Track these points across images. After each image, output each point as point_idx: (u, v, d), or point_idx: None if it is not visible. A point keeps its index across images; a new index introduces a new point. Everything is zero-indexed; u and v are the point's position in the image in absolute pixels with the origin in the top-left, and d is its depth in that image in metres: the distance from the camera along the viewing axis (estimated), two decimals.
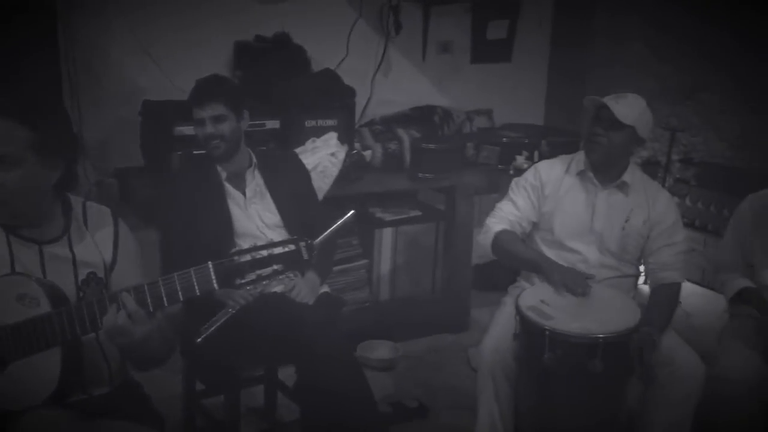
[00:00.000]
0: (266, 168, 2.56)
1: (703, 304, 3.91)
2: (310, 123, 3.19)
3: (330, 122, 3.24)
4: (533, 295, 2.28)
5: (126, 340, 1.49)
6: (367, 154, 3.39)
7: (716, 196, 4.23)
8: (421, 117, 3.66)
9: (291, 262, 1.55)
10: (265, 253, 1.52)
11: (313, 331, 2.13)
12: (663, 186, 4.43)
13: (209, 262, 1.50)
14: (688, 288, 4.05)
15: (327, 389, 2.07)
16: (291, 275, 2.35)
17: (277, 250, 1.53)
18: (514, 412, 2.29)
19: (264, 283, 1.59)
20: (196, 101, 2.42)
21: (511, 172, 3.56)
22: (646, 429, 2.27)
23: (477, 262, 3.75)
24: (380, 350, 3.31)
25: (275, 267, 1.54)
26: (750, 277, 2.47)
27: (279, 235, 2.45)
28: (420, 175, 3.39)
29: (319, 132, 3.19)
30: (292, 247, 1.54)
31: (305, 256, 1.55)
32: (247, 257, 1.51)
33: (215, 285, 1.50)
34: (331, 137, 3.19)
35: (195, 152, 2.71)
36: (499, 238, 2.47)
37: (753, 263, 2.45)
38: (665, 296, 2.41)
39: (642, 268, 2.56)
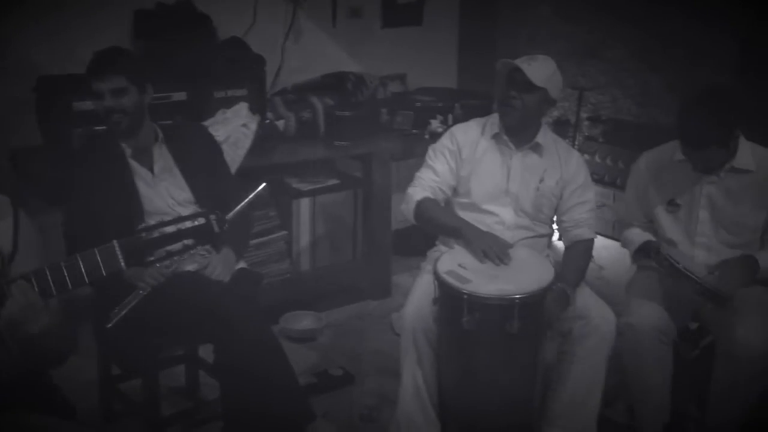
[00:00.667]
0: (174, 142, 2.47)
1: (614, 257, 4.05)
2: (219, 94, 3.10)
3: (240, 92, 3.15)
4: (451, 260, 2.30)
5: (23, 333, 1.41)
6: (280, 123, 3.33)
7: (623, 152, 4.36)
8: (334, 84, 3.60)
9: (201, 236, 1.50)
10: (173, 228, 1.47)
11: (230, 309, 2.09)
12: (573, 144, 4.57)
13: (114, 241, 1.43)
14: (599, 242, 4.18)
15: (246, 366, 2.05)
16: (205, 252, 2.29)
17: (186, 225, 1.48)
18: (437, 374, 2.32)
19: (175, 259, 1.53)
20: (94, 74, 2.30)
21: (427, 136, 3.58)
22: (562, 381, 2.35)
23: (397, 227, 3.76)
24: (303, 321, 3.29)
25: (185, 242, 1.49)
26: (652, 231, 2.57)
27: (191, 211, 2.38)
28: (335, 143, 3.36)
29: (229, 103, 3.10)
30: (201, 220, 1.50)
31: (216, 229, 1.51)
32: (155, 233, 1.46)
33: (122, 264, 1.44)
34: (242, 108, 3.11)
35: (96, 128, 2.58)
36: (421, 207, 2.48)
37: (653, 221, 2.55)
38: (578, 253, 2.48)
39: (555, 226, 2.63)
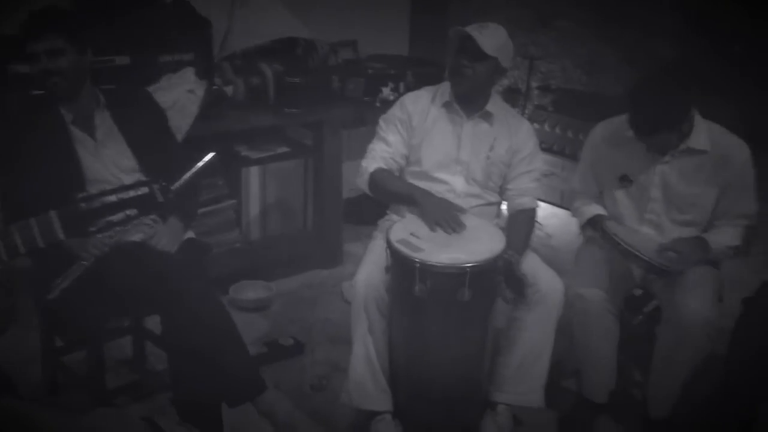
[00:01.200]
0: (117, 108, 2.39)
1: (562, 225, 4.13)
2: (164, 58, 3.00)
3: (186, 57, 3.06)
4: (403, 228, 2.30)
5: None
6: (229, 89, 3.24)
7: (573, 121, 4.42)
8: (284, 49, 3.52)
9: (145, 206, 1.46)
10: (114, 197, 1.42)
11: (176, 280, 2.05)
12: (523, 113, 4.61)
13: (51, 210, 1.38)
14: (548, 210, 4.28)
15: (193, 337, 2.02)
16: (151, 222, 2.23)
17: (129, 194, 1.44)
18: (388, 343, 2.33)
19: (117, 230, 1.48)
20: (29, 34, 2.19)
21: (378, 104, 3.54)
22: (511, 347, 2.38)
23: (348, 195, 3.74)
24: (253, 291, 3.26)
25: (128, 212, 1.45)
26: (603, 203, 2.60)
27: (135, 180, 2.30)
28: (285, 110, 3.30)
29: (175, 67, 3.00)
30: (144, 189, 1.45)
31: (160, 199, 1.46)
32: (96, 203, 1.40)
33: (61, 234, 1.39)
34: (189, 72, 3.02)
35: (34, 93, 2.47)
36: (375, 178, 2.47)
37: (603, 190, 2.58)
38: (524, 221, 2.51)
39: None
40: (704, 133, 2.35)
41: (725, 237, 2.38)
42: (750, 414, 2.27)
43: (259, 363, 2.63)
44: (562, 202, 4.31)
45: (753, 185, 2.39)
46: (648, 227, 2.47)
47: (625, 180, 2.48)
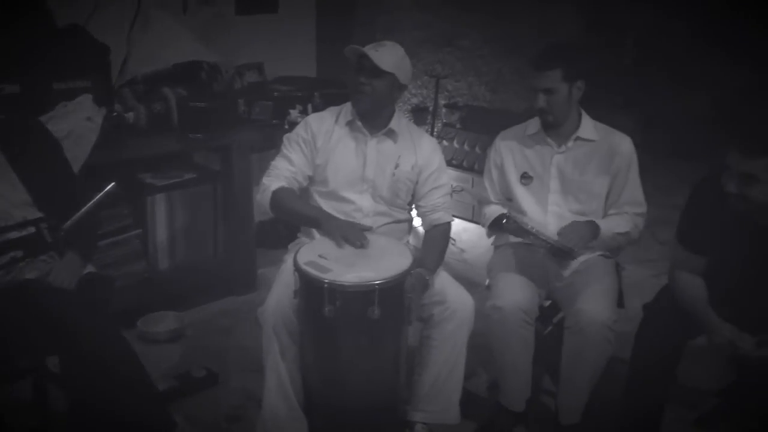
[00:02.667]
0: (7, 140, 2.27)
1: (474, 239, 4.20)
2: (58, 85, 2.89)
3: (82, 83, 2.96)
4: (311, 251, 2.28)
5: None
6: (130, 116, 3.16)
7: (480, 137, 4.52)
8: (187, 74, 3.46)
9: (31, 247, 1.38)
10: None
11: (74, 319, 1.95)
12: (432, 130, 4.68)
13: None
14: (460, 225, 4.35)
15: (94, 378, 1.93)
16: (47, 258, 2.12)
17: (13, 235, 1.35)
18: (301, 368, 2.29)
19: (1, 273, 1.39)
20: None
21: (286, 126, 3.52)
22: (424, 365, 2.39)
23: (260, 219, 3.69)
24: (163, 322, 3.16)
25: (12, 254, 1.36)
26: (509, 208, 2.66)
27: (30, 214, 2.19)
28: (190, 135, 3.23)
29: (71, 95, 2.90)
30: (31, 229, 1.37)
31: (48, 239, 1.38)
32: None
33: None
34: (86, 99, 2.92)
35: None
36: (277, 196, 2.44)
37: (510, 197, 2.65)
38: (437, 237, 2.53)
39: (414, 212, 2.66)
40: (591, 126, 2.57)
41: (613, 223, 2.52)
42: (656, 415, 2.35)
43: (169, 398, 2.57)
44: (473, 217, 4.38)
45: (638, 175, 2.56)
46: (552, 219, 2.57)
47: (526, 177, 2.60)
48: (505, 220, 2.49)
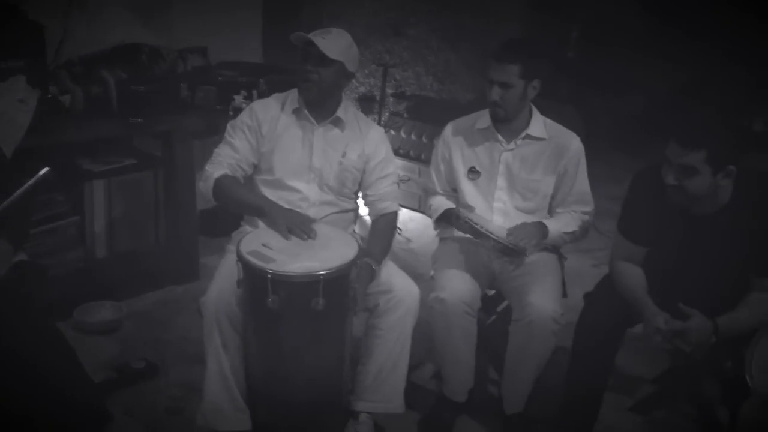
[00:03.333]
0: None
1: (421, 229, 4.21)
2: None
3: (15, 64, 2.83)
4: (254, 240, 2.24)
5: None
6: (66, 98, 3.04)
7: (427, 127, 4.52)
8: (127, 56, 3.35)
9: None
10: None
11: (2, 308, 1.87)
12: (379, 120, 4.66)
13: None
14: (407, 215, 4.35)
15: (24, 372, 1.85)
16: None
17: None
18: (244, 359, 2.25)
19: None
20: None
21: (231, 112, 3.44)
22: (369, 355, 2.38)
23: (203, 207, 3.61)
24: (101, 312, 3.07)
25: None
26: (455, 200, 2.67)
27: None
28: (130, 119, 3.13)
29: (2, 76, 2.77)
30: None
31: None
32: None
33: None
34: (18, 81, 2.79)
35: None
36: (220, 184, 2.39)
37: (455, 187, 2.66)
38: (384, 226, 2.52)
39: (361, 202, 2.65)
40: (541, 124, 2.56)
41: (561, 223, 2.54)
42: (596, 402, 2.40)
43: (106, 390, 2.50)
44: (420, 207, 4.39)
45: (586, 174, 2.58)
46: (497, 215, 2.58)
47: (473, 172, 2.60)
48: (454, 219, 2.48)
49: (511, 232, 2.42)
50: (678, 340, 2.06)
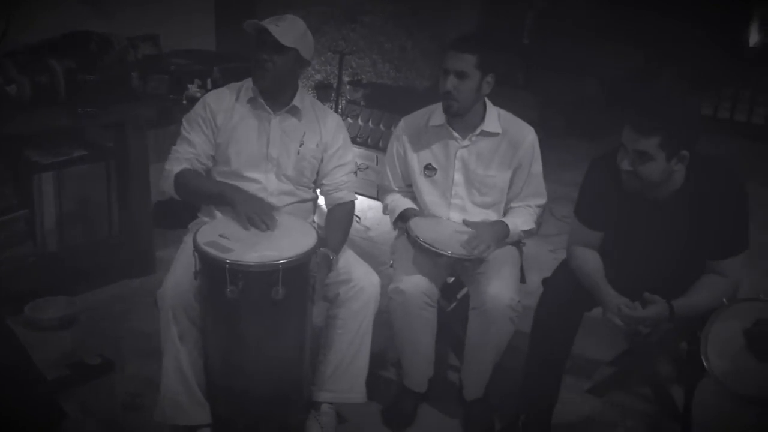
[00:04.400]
0: None
1: (379, 217, 4.20)
2: None
3: None
4: (212, 230, 2.20)
5: None
6: (12, 88, 2.93)
7: (384, 114, 4.51)
8: (75, 44, 3.24)
9: None
10: None
11: None
12: (337, 108, 4.63)
13: None
14: (365, 203, 4.34)
15: None
16: None
17: None
18: (203, 352, 2.22)
19: None
20: None
21: (185, 102, 3.39)
22: (330, 345, 2.36)
23: (159, 199, 3.54)
24: (53, 307, 2.99)
25: None
26: (412, 197, 2.66)
27: None
28: (80, 110, 3.04)
29: None
30: None
31: None
32: None
33: None
34: None
35: None
36: (180, 179, 2.35)
37: (411, 183, 2.65)
38: (340, 216, 2.50)
39: (319, 191, 2.62)
40: (495, 118, 2.53)
41: (519, 221, 2.53)
42: (555, 385, 2.43)
43: (59, 388, 2.44)
44: (378, 195, 4.37)
45: (540, 167, 2.58)
46: (455, 211, 2.57)
47: (429, 168, 2.57)
48: (408, 236, 2.41)
49: (470, 240, 2.36)
50: (636, 324, 2.09)
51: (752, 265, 3.68)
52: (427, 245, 2.33)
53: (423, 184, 2.59)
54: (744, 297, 1.92)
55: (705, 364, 1.85)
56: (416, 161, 2.59)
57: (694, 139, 2.08)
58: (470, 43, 2.39)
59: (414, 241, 2.38)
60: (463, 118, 2.48)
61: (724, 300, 1.93)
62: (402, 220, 2.58)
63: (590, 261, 2.28)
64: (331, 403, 2.39)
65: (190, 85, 3.44)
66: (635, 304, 2.11)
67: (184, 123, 2.44)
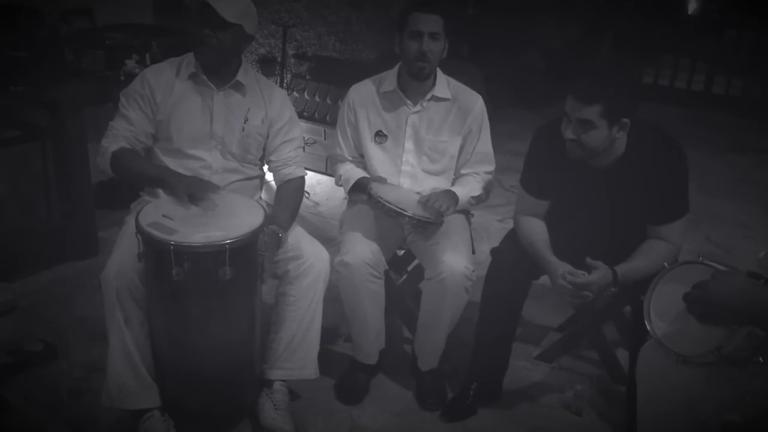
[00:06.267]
0: None
1: (328, 192, 4.18)
2: None
3: None
4: (154, 211, 2.14)
5: None
6: None
7: (331, 88, 4.45)
8: (3, 19, 3.10)
9: None
10: None
11: None
12: (282, 82, 4.55)
13: None
14: (314, 178, 4.30)
15: None
16: None
17: None
18: (149, 334, 2.18)
19: None
20: None
21: (122, 78, 3.28)
22: (282, 323, 2.34)
23: (100, 179, 3.44)
24: None
25: None
26: (363, 166, 2.64)
27: None
28: (10, 88, 2.92)
29: None
30: None
31: None
32: None
33: None
34: None
35: None
36: (117, 159, 2.28)
37: (362, 152, 2.63)
38: (290, 192, 2.47)
39: (266, 168, 2.58)
40: (445, 85, 2.55)
41: (468, 188, 2.56)
42: (505, 353, 2.47)
43: (1, 376, 2.36)
44: (326, 169, 4.34)
45: (489, 134, 2.61)
46: (405, 178, 2.58)
47: (380, 135, 2.57)
48: (369, 197, 2.42)
49: (425, 201, 2.40)
50: (581, 291, 2.13)
51: (693, 229, 3.81)
52: (390, 205, 2.33)
53: (373, 151, 2.58)
54: (684, 260, 1.96)
55: (648, 326, 1.90)
56: (367, 128, 2.58)
57: (635, 107, 2.11)
58: (437, 4, 2.40)
59: (376, 203, 2.37)
60: (417, 84, 2.49)
61: (666, 264, 1.97)
62: (358, 189, 2.56)
63: (535, 230, 2.31)
64: (283, 381, 2.38)
65: (128, 61, 3.33)
66: (579, 271, 2.15)
67: (122, 98, 2.37)
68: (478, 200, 2.60)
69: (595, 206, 2.24)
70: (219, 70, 2.36)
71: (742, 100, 6.73)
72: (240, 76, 2.39)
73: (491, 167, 2.63)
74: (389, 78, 2.54)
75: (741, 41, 7.15)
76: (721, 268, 1.79)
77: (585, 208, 2.26)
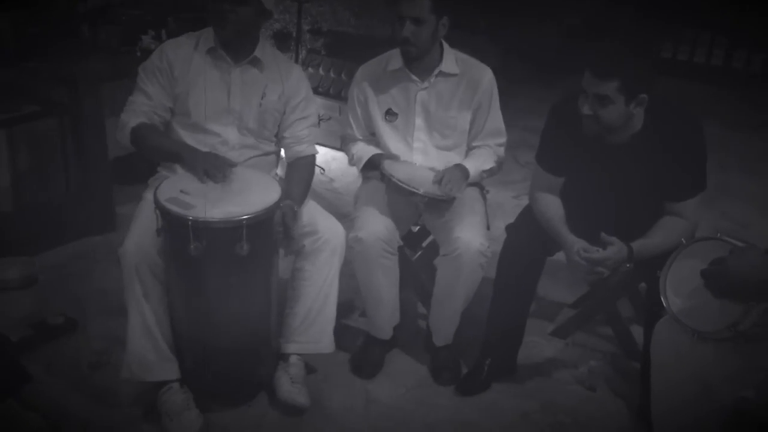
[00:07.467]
0: None
1: (343, 168, 4.18)
2: None
3: None
4: (172, 186, 2.16)
5: None
6: None
7: (346, 63, 4.43)
8: None
9: None
10: None
11: None
12: (297, 57, 4.54)
13: None
14: (329, 154, 4.30)
15: None
16: None
17: None
18: (167, 308, 2.21)
19: None
20: None
21: (138, 53, 3.28)
22: (298, 298, 2.37)
23: (117, 154, 3.46)
24: (12, 268, 2.92)
25: None
26: (375, 144, 2.64)
27: None
28: (28, 64, 2.93)
29: None
30: None
31: None
32: None
33: None
34: None
35: None
36: (137, 134, 2.30)
37: (374, 131, 2.63)
38: (302, 168, 2.47)
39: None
40: (453, 60, 2.53)
41: (479, 162, 2.55)
42: (519, 329, 2.48)
43: (23, 349, 2.41)
44: (342, 145, 4.33)
45: (498, 106, 2.59)
46: (417, 155, 2.58)
47: (390, 114, 2.57)
48: (382, 176, 2.43)
49: (440, 178, 2.40)
50: (596, 266, 2.13)
51: (710, 205, 3.79)
52: (402, 184, 2.34)
53: (385, 130, 2.58)
54: (701, 236, 1.95)
55: (663, 302, 1.90)
56: (377, 107, 2.58)
57: (653, 83, 2.09)
58: None
59: (388, 181, 2.38)
60: (421, 61, 2.48)
61: (683, 240, 1.97)
62: (371, 166, 2.56)
63: (551, 206, 2.31)
64: (299, 355, 2.41)
65: (144, 36, 3.33)
66: (593, 247, 2.14)
67: (141, 73, 2.37)
68: (490, 173, 2.60)
69: (611, 183, 2.23)
70: (237, 45, 2.36)
71: (763, 76, 6.62)
72: (258, 52, 2.39)
73: (503, 139, 2.63)
74: (396, 56, 2.52)
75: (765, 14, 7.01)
76: (739, 244, 1.78)
77: (601, 184, 2.25)
